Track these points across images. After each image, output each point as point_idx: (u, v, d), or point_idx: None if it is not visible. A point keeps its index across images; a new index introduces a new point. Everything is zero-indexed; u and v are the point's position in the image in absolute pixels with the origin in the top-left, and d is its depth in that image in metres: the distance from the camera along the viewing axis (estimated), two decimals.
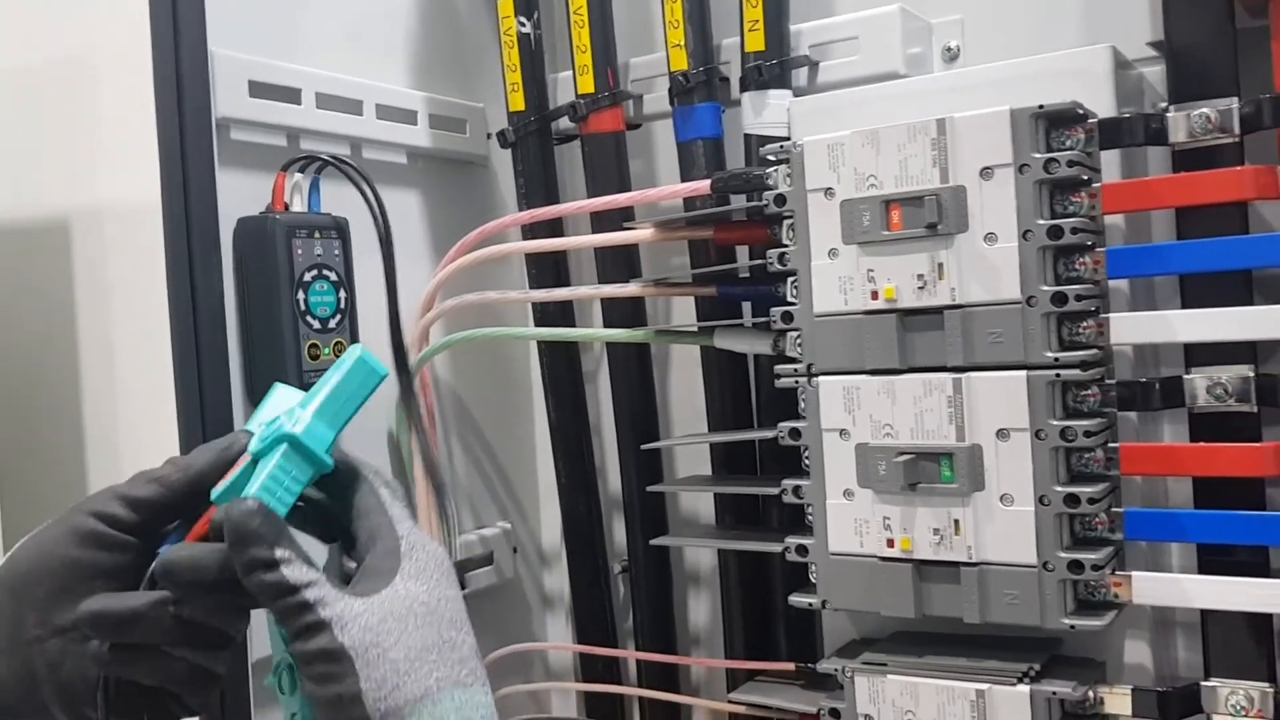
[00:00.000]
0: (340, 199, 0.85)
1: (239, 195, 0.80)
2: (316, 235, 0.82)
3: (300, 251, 0.81)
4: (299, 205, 0.83)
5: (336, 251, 0.84)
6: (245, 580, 0.47)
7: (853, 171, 0.68)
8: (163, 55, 0.73)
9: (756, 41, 0.80)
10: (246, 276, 0.80)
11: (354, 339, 0.85)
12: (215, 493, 0.50)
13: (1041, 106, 0.63)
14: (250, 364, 0.81)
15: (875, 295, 0.67)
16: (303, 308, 0.81)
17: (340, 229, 0.84)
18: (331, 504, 0.53)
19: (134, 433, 0.80)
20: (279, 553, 0.46)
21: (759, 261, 0.73)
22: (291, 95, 0.84)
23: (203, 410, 0.75)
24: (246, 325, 0.80)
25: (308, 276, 0.82)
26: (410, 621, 0.47)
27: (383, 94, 0.92)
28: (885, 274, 0.67)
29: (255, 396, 0.81)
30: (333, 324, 0.83)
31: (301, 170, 0.83)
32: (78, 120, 0.83)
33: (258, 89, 0.81)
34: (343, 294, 0.84)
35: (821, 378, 0.69)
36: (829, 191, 0.68)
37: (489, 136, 1.00)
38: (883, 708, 0.68)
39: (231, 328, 0.79)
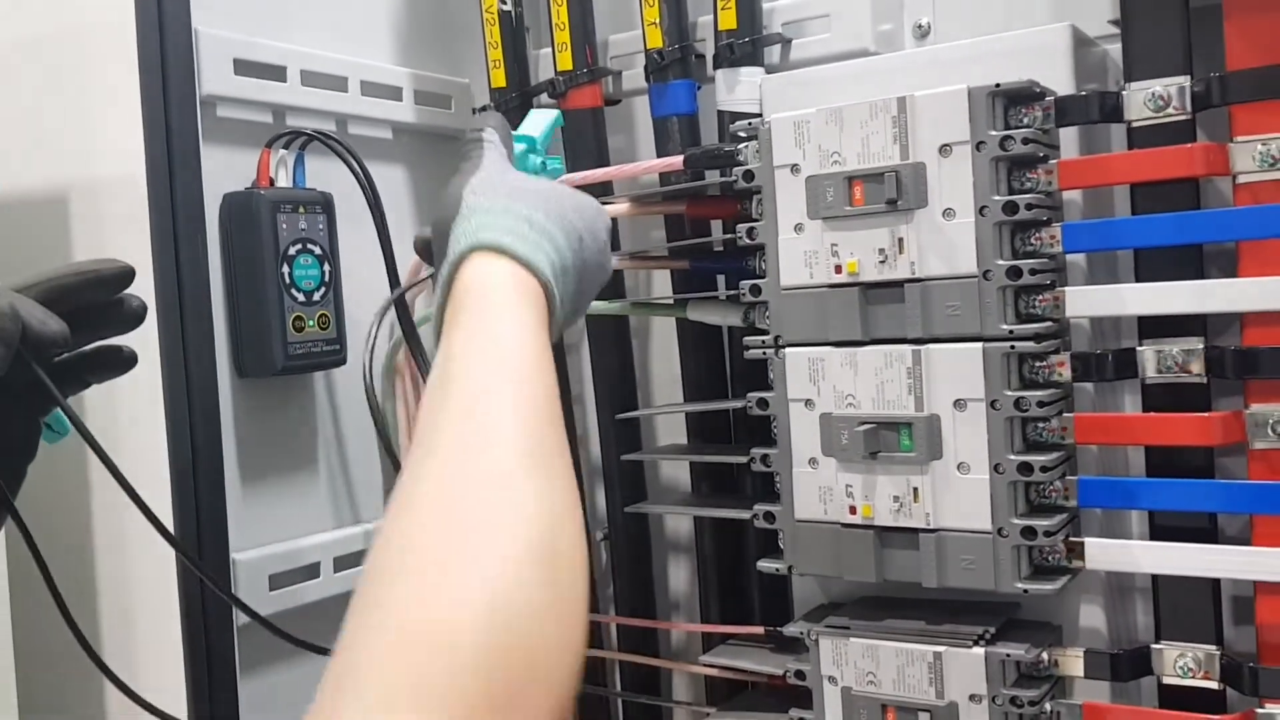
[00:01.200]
0: (324, 174, 0.87)
1: (225, 171, 0.82)
2: (301, 210, 0.84)
3: (285, 226, 0.83)
4: (284, 181, 0.85)
5: (321, 226, 0.86)
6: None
7: (817, 148, 0.69)
8: (147, 34, 0.75)
9: (729, 20, 0.81)
10: (232, 251, 0.82)
11: (338, 312, 0.87)
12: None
13: (998, 85, 0.64)
14: (236, 336, 0.83)
15: (839, 269, 0.69)
16: (287, 281, 0.83)
17: (325, 204, 0.86)
18: None
19: (123, 404, 0.81)
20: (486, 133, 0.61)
21: (731, 236, 0.75)
22: (277, 73, 0.86)
23: (189, 383, 0.77)
24: (233, 299, 0.83)
25: (292, 250, 0.84)
26: (530, 185, 0.57)
27: (367, 70, 0.93)
28: (848, 248, 0.68)
29: (242, 368, 0.83)
30: (317, 297, 0.85)
31: (286, 146, 0.85)
32: (69, 94, 0.85)
33: (243, 66, 0.83)
34: (327, 267, 0.86)
35: (788, 349, 0.71)
36: (795, 168, 0.70)
37: (472, 111, 1.01)
38: (845, 669, 0.70)
39: (218, 301, 0.81)
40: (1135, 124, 0.65)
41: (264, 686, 0.83)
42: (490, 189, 0.55)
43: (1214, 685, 0.65)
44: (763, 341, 0.72)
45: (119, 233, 0.82)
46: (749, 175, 0.72)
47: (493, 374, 0.46)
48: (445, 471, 0.42)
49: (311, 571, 0.87)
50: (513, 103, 0.93)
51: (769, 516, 0.73)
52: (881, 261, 0.67)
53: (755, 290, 0.72)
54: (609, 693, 0.97)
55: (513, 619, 0.37)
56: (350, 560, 0.89)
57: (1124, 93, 0.65)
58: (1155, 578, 0.68)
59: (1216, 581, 0.66)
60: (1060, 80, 0.67)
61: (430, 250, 0.56)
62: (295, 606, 0.85)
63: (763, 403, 0.72)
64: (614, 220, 0.77)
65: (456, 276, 0.50)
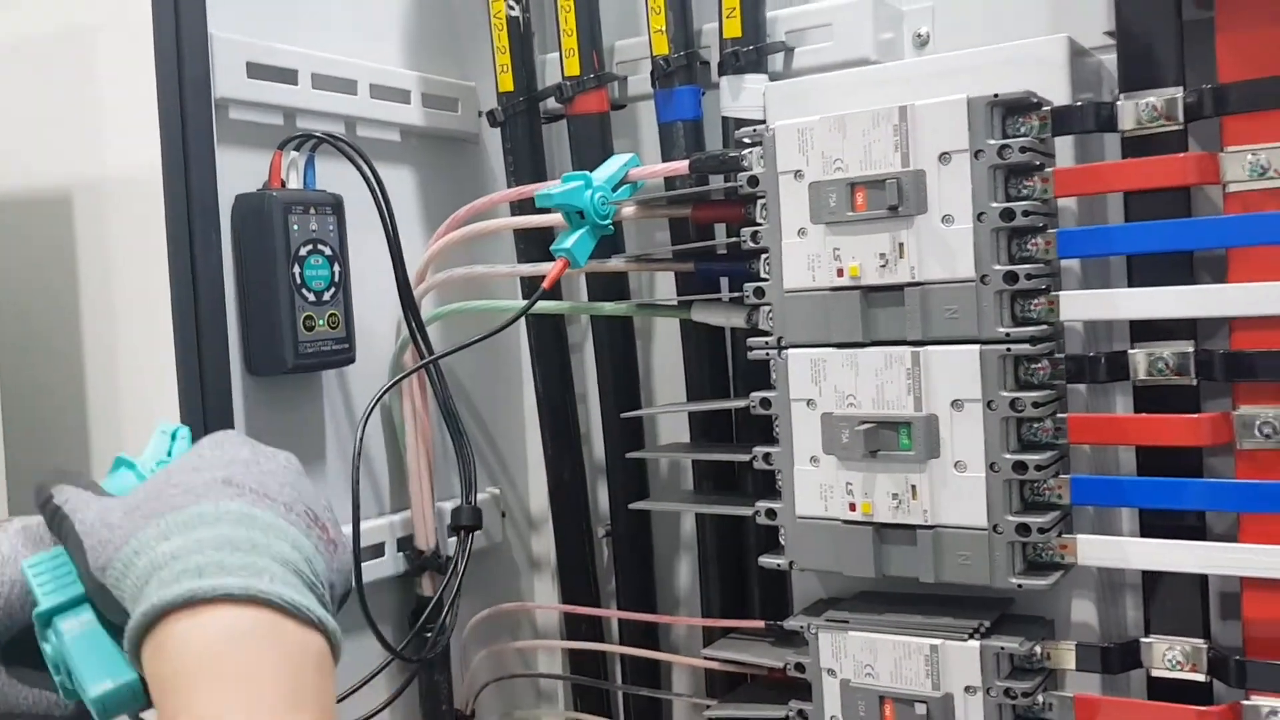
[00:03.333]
0: (334, 176, 0.88)
1: (237, 173, 0.84)
2: (312, 211, 0.86)
3: (296, 227, 0.84)
4: (295, 182, 0.87)
5: (331, 227, 0.87)
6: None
7: (821, 155, 0.71)
8: (164, 39, 0.77)
9: (734, 28, 0.83)
10: (244, 251, 0.84)
11: (347, 311, 0.88)
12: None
13: (996, 95, 0.66)
14: (248, 335, 0.84)
15: (841, 272, 0.71)
16: (298, 281, 0.85)
17: (335, 205, 0.88)
18: None
19: (136, 402, 0.83)
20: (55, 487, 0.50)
21: (735, 239, 0.77)
22: (288, 76, 0.87)
23: (202, 381, 0.79)
24: (244, 298, 0.84)
25: (303, 251, 0.85)
26: (139, 491, 0.48)
27: (376, 74, 0.95)
28: (850, 252, 0.70)
29: (253, 366, 0.85)
30: (327, 296, 0.87)
31: (298, 148, 0.87)
32: (79, 93, 0.87)
33: (255, 70, 0.85)
34: (336, 268, 0.88)
35: (790, 350, 0.73)
36: (799, 174, 0.72)
37: (479, 115, 1.03)
38: (844, 662, 0.72)
39: (230, 300, 0.83)
40: (1129, 134, 0.67)
41: None
42: (116, 525, 0.47)
43: (1201, 678, 0.67)
44: (766, 342, 0.74)
45: (129, 232, 0.83)
46: (754, 180, 0.74)
47: None
48: None
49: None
50: (519, 107, 0.95)
51: (770, 513, 0.75)
52: (882, 265, 0.69)
53: (759, 292, 0.74)
54: (611, 686, 0.99)
55: None
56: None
57: (1118, 103, 0.67)
58: (1145, 574, 0.70)
59: (1204, 578, 0.68)
60: (1057, 90, 0.69)
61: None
62: None
63: (765, 402, 0.74)
64: (618, 224, 0.79)
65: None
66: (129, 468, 0.55)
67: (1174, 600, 0.69)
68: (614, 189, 0.76)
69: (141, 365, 0.82)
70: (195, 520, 0.45)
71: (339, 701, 0.76)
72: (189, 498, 0.47)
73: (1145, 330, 0.68)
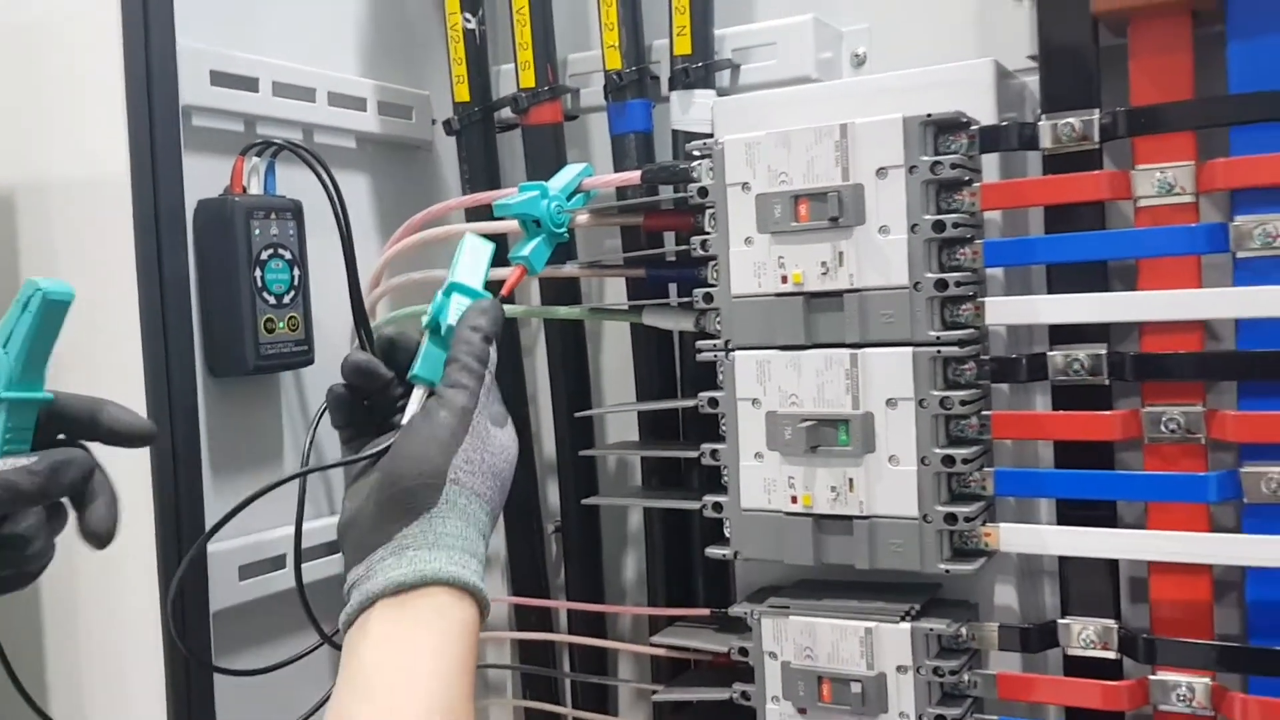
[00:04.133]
0: (294, 182, 0.91)
1: (200, 178, 0.86)
2: (273, 216, 0.88)
3: (258, 232, 0.87)
4: (256, 188, 0.89)
5: (291, 232, 0.90)
6: (463, 331, 0.65)
7: (766, 168, 0.75)
8: (133, 47, 0.79)
9: (684, 45, 0.87)
10: (206, 255, 0.86)
11: (306, 314, 0.91)
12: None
13: (929, 115, 0.71)
14: (209, 337, 0.87)
15: (785, 279, 0.75)
16: (259, 285, 0.87)
17: (295, 210, 0.90)
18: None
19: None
20: (494, 342, 0.66)
21: (684, 247, 0.81)
22: (250, 84, 0.90)
23: (169, 380, 0.81)
24: (206, 301, 0.86)
25: (264, 255, 0.88)
26: (498, 451, 0.63)
27: (334, 82, 0.98)
28: (794, 261, 0.75)
29: (214, 368, 0.87)
30: (287, 300, 0.90)
31: (259, 154, 0.89)
32: (33, 93, 0.87)
33: (218, 78, 0.87)
34: (296, 271, 0.90)
35: (737, 352, 0.78)
36: (746, 185, 0.76)
37: (434, 123, 1.06)
38: (785, 645, 0.76)
39: (192, 305, 0.85)
40: (1049, 152, 0.73)
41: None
42: (474, 471, 0.61)
43: (1112, 655, 0.73)
44: (713, 345, 0.78)
45: (76, 234, 0.84)
46: (703, 191, 0.78)
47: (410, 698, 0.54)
48: None
49: (278, 563, 0.91)
50: (475, 116, 0.98)
51: (717, 507, 0.79)
52: (823, 273, 0.74)
53: (707, 298, 0.78)
54: (559, 674, 1.03)
55: None
56: (315, 552, 0.93)
57: (1040, 123, 0.73)
58: (1061, 559, 0.75)
59: (1115, 562, 0.74)
60: (984, 110, 0.75)
61: (378, 362, 0.67)
62: (263, 596, 0.89)
63: (713, 401, 0.79)
64: (571, 232, 0.83)
65: (408, 590, 0.56)
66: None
67: (1088, 584, 0.74)
68: (568, 198, 0.80)
69: (97, 367, 0.83)
70: (466, 517, 0.60)
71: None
72: (498, 500, 0.64)
73: (1063, 334, 0.73)
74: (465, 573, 0.57)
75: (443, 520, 0.58)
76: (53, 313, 0.57)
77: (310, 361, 0.92)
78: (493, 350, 0.65)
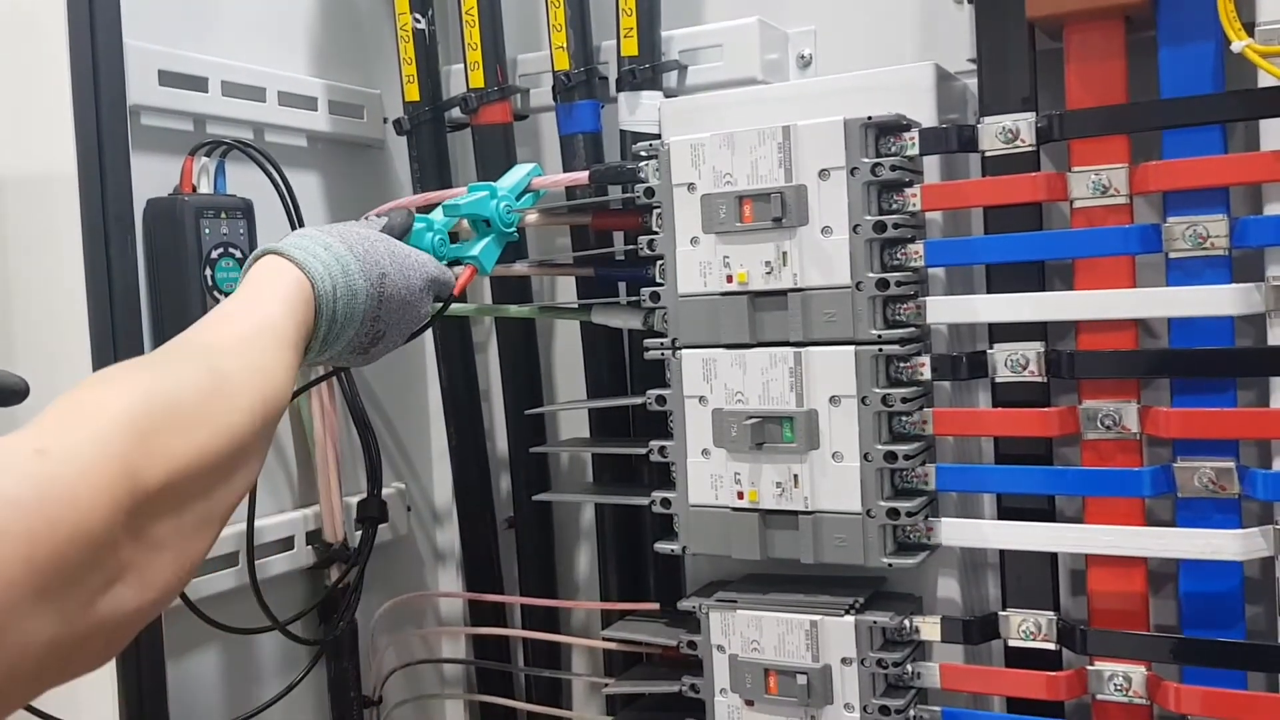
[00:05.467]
0: (244, 181, 0.91)
1: (149, 178, 0.86)
2: (223, 215, 0.88)
3: (208, 231, 0.87)
4: (206, 187, 0.89)
5: (242, 230, 0.90)
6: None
7: (712, 169, 0.76)
8: (79, 47, 0.78)
9: (631, 47, 0.88)
10: (156, 255, 0.86)
11: None
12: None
13: (870, 118, 0.72)
14: (159, 337, 0.86)
15: (730, 279, 0.76)
16: (210, 284, 0.87)
17: (245, 210, 0.90)
18: None
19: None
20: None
21: (632, 246, 0.82)
22: (199, 83, 0.90)
23: None
24: (156, 301, 0.86)
25: (215, 254, 0.88)
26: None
27: (284, 81, 0.98)
28: (739, 260, 0.76)
29: None
30: None
31: (208, 154, 0.89)
32: None
33: (167, 78, 0.87)
34: None
35: (684, 350, 0.79)
36: (691, 186, 0.77)
37: (385, 122, 1.06)
38: (732, 638, 0.78)
39: (142, 304, 0.84)
40: (988, 154, 0.74)
41: (189, 670, 0.87)
42: (312, 230, 0.69)
43: (1051, 646, 0.74)
44: (661, 343, 0.79)
45: (23, 233, 0.84)
46: (650, 192, 0.79)
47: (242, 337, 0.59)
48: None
49: (230, 560, 0.91)
50: (425, 116, 0.98)
51: (666, 502, 0.80)
52: (768, 273, 0.75)
53: (655, 296, 0.79)
54: (512, 668, 1.04)
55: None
56: (267, 549, 0.94)
57: (979, 126, 0.74)
58: (1002, 553, 0.77)
59: (1054, 556, 0.76)
60: (924, 112, 0.76)
61: None
62: (214, 593, 0.89)
63: (661, 399, 0.80)
64: (521, 231, 0.84)
65: (252, 266, 0.65)
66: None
67: (1028, 577, 0.76)
68: (518, 197, 0.80)
69: (45, 365, 0.82)
70: (341, 237, 0.68)
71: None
72: (342, 239, 0.68)
73: (1002, 332, 0.75)
74: (284, 246, 0.65)
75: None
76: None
77: None
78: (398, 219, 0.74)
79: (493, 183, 0.80)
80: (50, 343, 0.81)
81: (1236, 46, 0.64)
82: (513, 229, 0.79)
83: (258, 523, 0.89)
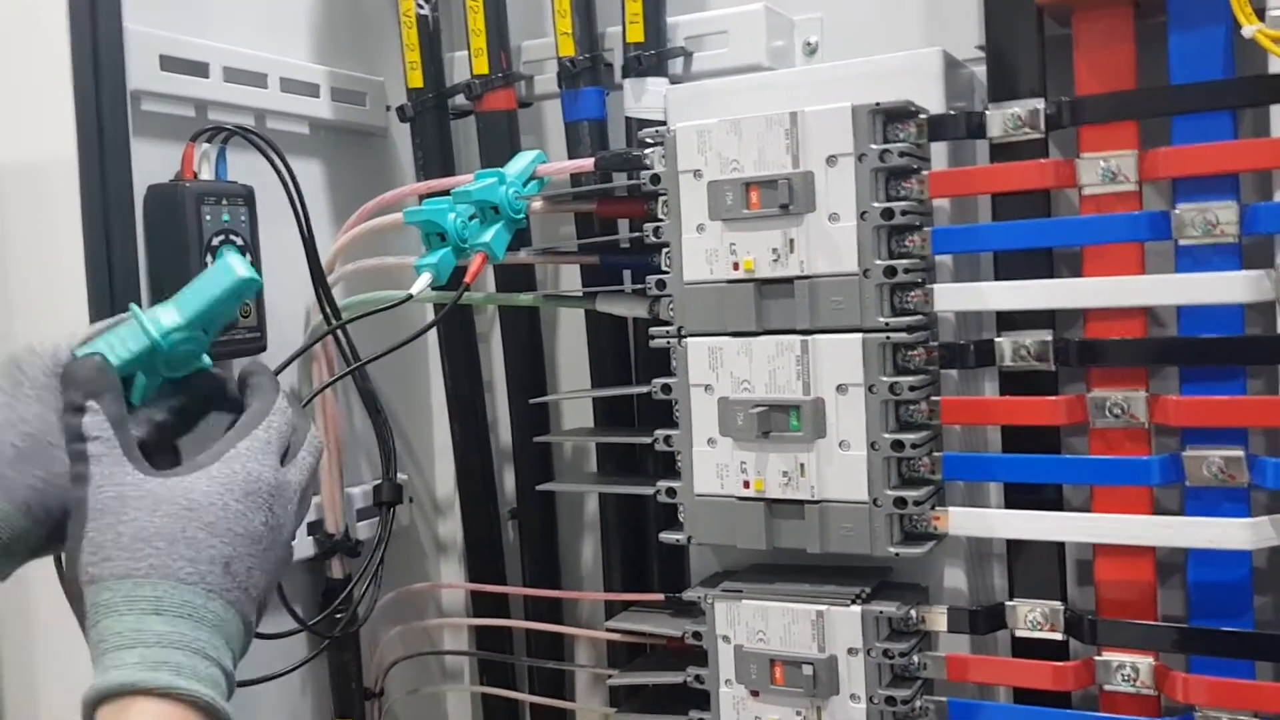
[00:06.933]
0: (245, 167, 0.90)
1: (150, 164, 0.85)
2: (224, 203, 0.88)
3: (209, 218, 0.86)
4: (207, 174, 0.88)
5: (243, 218, 0.89)
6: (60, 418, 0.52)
7: (718, 156, 0.76)
8: (80, 31, 0.78)
9: (636, 33, 0.88)
10: (157, 242, 0.85)
11: (259, 300, 0.90)
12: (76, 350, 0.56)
13: (878, 104, 0.72)
14: None
15: (736, 266, 0.76)
16: None
17: (247, 197, 0.89)
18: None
19: None
20: (89, 402, 0.52)
21: (637, 234, 0.81)
22: (200, 69, 0.89)
23: None
24: (157, 288, 0.85)
25: (215, 242, 0.87)
26: (164, 508, 0.50)
27: (286, 68, 0.97)
28: (745, 248, 0.75)
29: None
30: None
31: (209, 140, 0.88)
32: None
33: (168, 63, 0.86)
34: (248, 257, 0.89)
35: (690, 339, 0.78)
36: (698, 173, 0.77)
37: (388, 109, 1.06)
38: (738, 629, 0.77)
39: (142, 290, 0.84)
40: (996, 140, 0.74)
41: None
42: (109, 555, 0.49)
43: (1059, 637, 0.74)
44: (667, 332, 0.79)
45: (24, 218, 0.83)
46: (656, 179, 0.78)
47: None
48: None
49: None
50: (428, 103, 0.98)
51: (671, 492, 0.80)
52: (774, 260, 0.74)
53: (660, 284, 0.79)
54: (516, 660, 1.03)
55: None
56: None
57: (987, 112, 0.73)
58: (1009, 542, 0.76)
59: (1061, 545, 0.75)
60: (932, 99, 0.75)
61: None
62: None
63: (666, 388, 0.79)
64: (527, 217, 0.83)
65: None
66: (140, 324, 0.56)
67: (1035, 567, 0.75)
68: (524, 184, 0.80)
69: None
70: (181, 609, 0.49)
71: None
72: (193, 569, 0.49)
73: (1010, 320, 0.74)
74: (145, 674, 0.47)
75: (95, 625, 0.49)
76: (223, 276, 0.58)
77: (264, 348, 0.91)
78: (88, 415, 0.51)
79: (501, 169, 0.79)
80: (50, 329, 0.80)
81: (1248, 31, 0.63)
82: (521, 215, 0.79)
83: None
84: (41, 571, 0.57)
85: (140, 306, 0.58)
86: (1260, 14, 0.65)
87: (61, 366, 0.54)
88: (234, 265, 0.58)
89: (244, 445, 0.53)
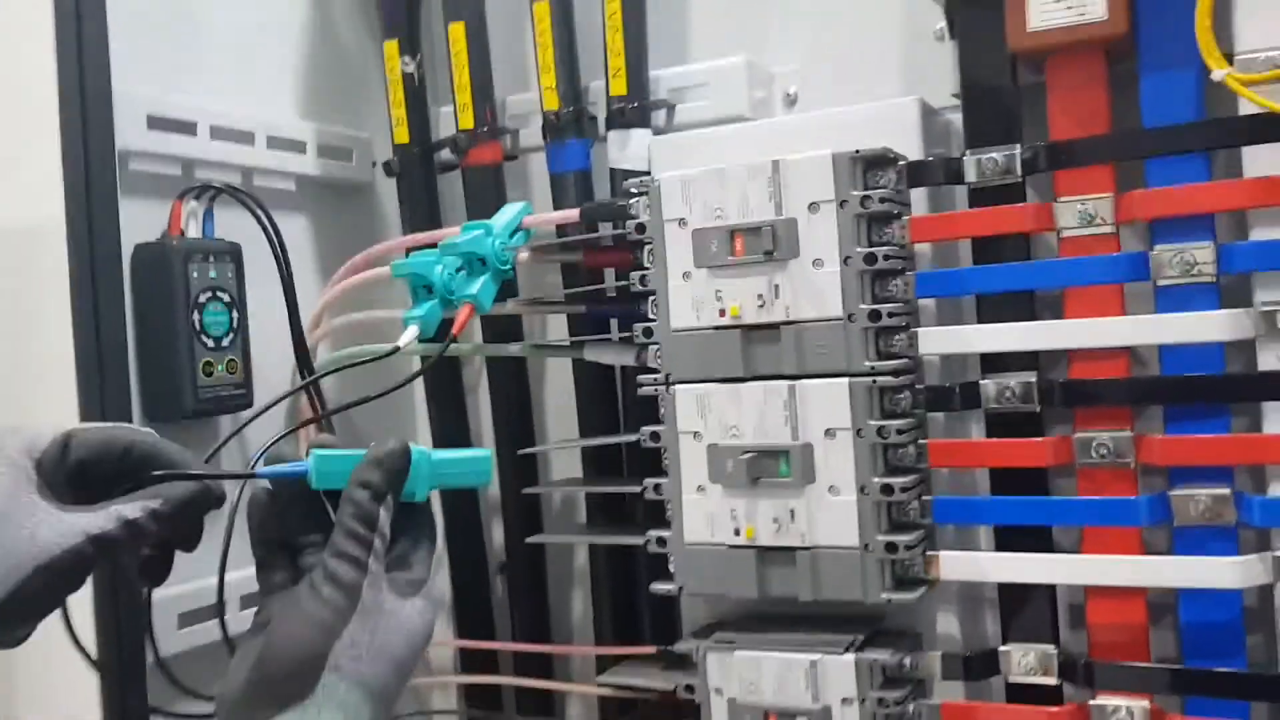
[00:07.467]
0: (233, 224, 0.91)
1: (137, 222, 0.85)
2: (211, 259, 0.88)
3: (196, 275, 0.87)
4: (194, 231, 0.89)
5: (230, 275, 0.90)
6: (351, 490, 0.54)
7: (702, 204, 0.77)
8: (69, 92, 0.79)
9: (619, 86, 0.89)
10: (144, 299, 0.86)
11: (245, 356, 0.90)
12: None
13: (858, 151, 0.73)
14: (146, 381, 0.86)
15: (722, 313, 0.76)
16: (198, 328, 0.87)
17: (234, 253, 0.90)
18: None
19: None
20: (390, 498, 0.55)
21: (624, 283, 0.82)
22: (187, 128, 0.90)
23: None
24: (143, 344, 0.86)
25: (202, 298, 0.87)
26: (403, 631, 0.54)
27: (273, 125, 0.98)
28: (731, 294, 0.76)
29: (151, 411, 0.86)
30: (225, 342, 0.89)
31: (197, 198, 0.89)
32: None
33: (156, 122, 0.87)
34: (235, 314, 0.90)
35: (677, 386, 0.78)
36: (682, 221, 0.77)
37: (375, 164, 1.07)
38: (730, 681, 0.76)
39: (129, 350, 0.84)
40: (974, 186, 0.75)
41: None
42: (360, 655, 0.52)
43: (1053, 681, 0.73)
44: (654, 379, 0.79)
45: (31, 278, 0.83)
46: (641, 228, 0.79)
47: None
48: None
49: (219, 610, 0.90)
50: (414, 158, 0.99)
51: (661, 541, 0.79)
52: (760, 306, 0.75)
53: (647, 332, 0.79)
54: (505, 718, 1.02)
55: None
56: (255, 599, 0.92)
57: (964, 158, 0.74)
58: (1001, 586, 0.76)
59: (1053, 589, 0.75)
60: (911, 146, 0.76)
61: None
62: (204, 644, 0.88)
63: (655, 435, 0.79)
64: (513, 268, 0.84)
65: None
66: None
67: (1027, 610, 0.75)
68: (510, 235, 0.80)
69: (33, 410, 0.82)
70: (345, 709, 0.51)
71: None
72: (377, 666, 0.52)
73: (994, 362, 0.75)
74: None
75: (316, 714, 0.51)
76: (477, 467, 0.60)
77: (249, 404, 0.91)
78: (384, 511, 0.55)
79: (488, 221, 0.79)
80: (37, 388, 0.80)
81: (1217, 75, 0.65)
82: (508, 266, 0.79)
83: (245, 572, 0.88)
84: None
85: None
86: (1229, 58, 0.66)
87: (39, 451, 0.54)
88: (487, 470, 0.61)
89: (403, 573, 0.56)
